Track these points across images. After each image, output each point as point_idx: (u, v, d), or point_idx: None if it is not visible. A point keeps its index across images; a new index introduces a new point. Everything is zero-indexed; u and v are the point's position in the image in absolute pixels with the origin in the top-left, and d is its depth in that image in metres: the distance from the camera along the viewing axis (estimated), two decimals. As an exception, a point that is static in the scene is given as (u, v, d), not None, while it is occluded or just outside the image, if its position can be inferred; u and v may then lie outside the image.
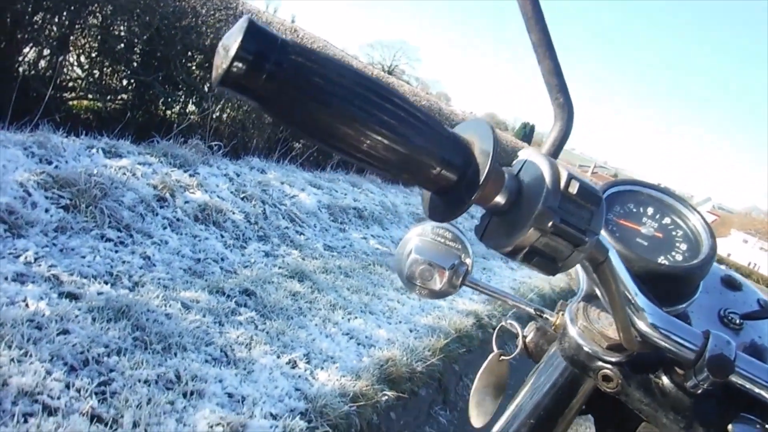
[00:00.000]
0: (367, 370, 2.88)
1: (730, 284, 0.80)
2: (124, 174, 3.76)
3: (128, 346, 2.25)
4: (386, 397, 2.76)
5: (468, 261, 0.83)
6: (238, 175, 5.14)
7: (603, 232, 0.66)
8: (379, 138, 0.46)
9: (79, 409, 1.83)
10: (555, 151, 0.54)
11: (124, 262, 2.98)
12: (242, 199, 4.73)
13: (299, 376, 2.62)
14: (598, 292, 0.63)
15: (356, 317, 3.58)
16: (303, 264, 4.18)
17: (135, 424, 1.86)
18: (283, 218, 4.96)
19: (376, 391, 2.74)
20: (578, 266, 0.72)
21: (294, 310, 3.31)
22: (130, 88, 5.54)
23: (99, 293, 2.53)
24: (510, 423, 0.79)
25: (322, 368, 2.77)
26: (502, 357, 0.92)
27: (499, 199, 0.50)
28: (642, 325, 0.57)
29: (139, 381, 2.08)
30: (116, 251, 3.06)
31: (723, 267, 0.84)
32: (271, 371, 2.56)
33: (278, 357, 2.71)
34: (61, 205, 3.06)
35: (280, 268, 3.94)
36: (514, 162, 0.55)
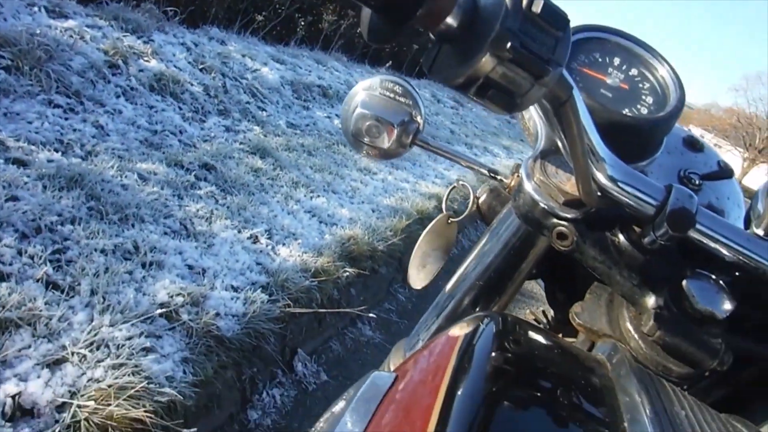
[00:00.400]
0: (329, 247, 2.90)
1: (692, 145, 0.77)
2: (71, 37, 3.49)
3: (83, 216, 2.18)
4: (347, 274, 2.80)
5: (419, 119, 0.78)
6: (196, 45, 4.86)
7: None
8: None
9: (33, 275, 1.78)
10: None
11: (75, 130, 2.83)
12: (201, 70, 4.50)
13: (261, 251, 2.62)
14: (558, 140, 0.58)
15: (319, 196, 3.56)
16: (265, 140, 4.07)
17: (93, 292, 1.83)
18: (245, 93, 4.77)
19: (337, 267, 2.77)
20: (537, 116, 0.68)
21: (255, 186, 3.26)
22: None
23: (49, 161, 2.41)
24: (458, 286, 0.78)
25: (284, 244, 2.77)
26: (451, 219, 0.88)
27: (451, 21, 0.43)
28: (602, 177, 0.54)
29: (96, 250, 2.03)
30: (66, 118, 2.89)
31: (686, 128, 0.82)
32: (232, 245, 2.54)
33: (239, 232, 2.68)
34: (1, 66, 2.84)
35: (241, 143, 3.83)
36: None
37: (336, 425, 0.44)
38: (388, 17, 0.43)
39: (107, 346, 1.66)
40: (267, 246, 2.69)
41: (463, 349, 0.51)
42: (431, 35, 0.45)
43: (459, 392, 0.43)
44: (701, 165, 0.76)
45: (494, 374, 0.48)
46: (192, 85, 4.20)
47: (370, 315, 2.73)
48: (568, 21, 0.44)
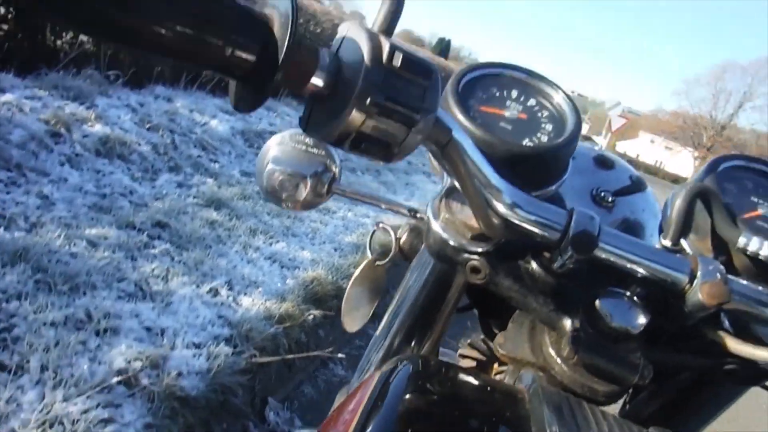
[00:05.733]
0: (292, 291, 2.86)
1: (603, 163, 0.80)
2: (9, 110, 3.44)
3: (29, 290, 2.10)
4: (313, 316, 2.75)
5: (334, 168, 0.79)
6: (141, 105, 4.83)
7: (463, 119, 0.62)
8: (152, 13, 0.38)
9: (-23, 359, 1.71)
10: (388, 28, 0.47)
11: (17, 203, 2.75)
12: (148, 129, 4.45)
13: (221, 304, 2.56)
14: (453, 179, 0.59)
15: (278, 241, 3.52)
16: (219, 192, 4.03)
17: (43, 368, 1.76)
18: (195, 147, 4.74)
19: (302, 311, 2.73)
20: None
21: (212, 239, 3.21)
22: (9, 16, 4.98)
23: (-10, 238, 2.33)
24: (388, 326, 0.78)
25: (246, 294, 2.72)
26: (377, 263, 0.89)
27: (317, 82, 0.45)
28: (502, 208, 0.54)
29: (45, 324, 1.96)
30: (8, 192, 2.82)
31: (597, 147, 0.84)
32: (191, 301, 2.48)
33: (198, 287, 2.62)
34: (-64, 147, 2.77)
35: (194, 197, 3.78)
36: (334, 40, 0.49)
37: None
38: (251, 86, 0.45)
39: (61, 422, 1.59)
40: (228, 298, 2.64)
41: (374, 397, 0.51)
42: (302, 96, 0.47)
43: None
44: (613, 181, 0.78)
45: (405, 418, 0.47)
46: (140, 145, 4.16)
47: (340, 355, 2.68)
48: (433, 70, 0.45)
